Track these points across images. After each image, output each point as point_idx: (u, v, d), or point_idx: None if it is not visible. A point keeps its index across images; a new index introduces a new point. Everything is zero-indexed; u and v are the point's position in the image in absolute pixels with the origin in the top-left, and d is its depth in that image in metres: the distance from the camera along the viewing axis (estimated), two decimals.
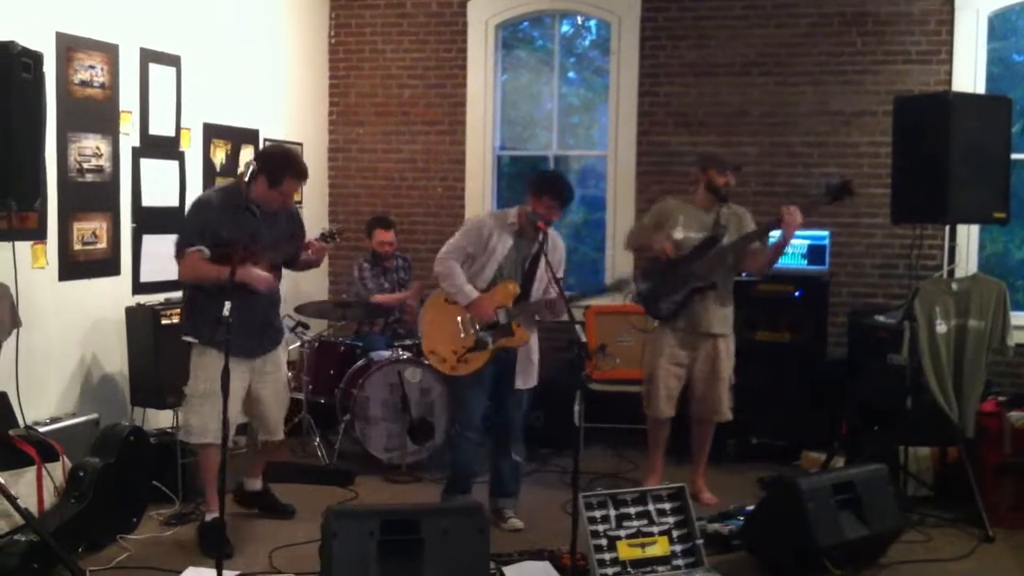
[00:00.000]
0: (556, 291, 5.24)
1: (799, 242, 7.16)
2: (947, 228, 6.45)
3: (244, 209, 5.02)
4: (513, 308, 5.45)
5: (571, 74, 8.62)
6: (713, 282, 5.87)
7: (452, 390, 5.83)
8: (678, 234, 5.93)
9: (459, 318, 5.49)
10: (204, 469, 5.14)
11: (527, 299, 5.48)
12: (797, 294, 6.97)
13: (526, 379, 5.58)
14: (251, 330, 5.10)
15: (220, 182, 6.69)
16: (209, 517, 5.10)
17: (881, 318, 6.52)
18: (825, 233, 7.21)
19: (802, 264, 7.17)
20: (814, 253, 7.17)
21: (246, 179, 4.90)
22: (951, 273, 6.15)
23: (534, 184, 5.49)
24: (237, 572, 4.65)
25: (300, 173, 5.20)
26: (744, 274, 6.35)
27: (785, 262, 7.09)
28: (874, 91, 7.42)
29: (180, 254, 4.99)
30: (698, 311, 5.90)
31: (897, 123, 6.13)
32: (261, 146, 7.48)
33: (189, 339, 5.10)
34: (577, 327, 4.58)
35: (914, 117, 6.00)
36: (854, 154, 7.50)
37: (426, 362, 6.08)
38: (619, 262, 7.51)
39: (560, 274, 5.51)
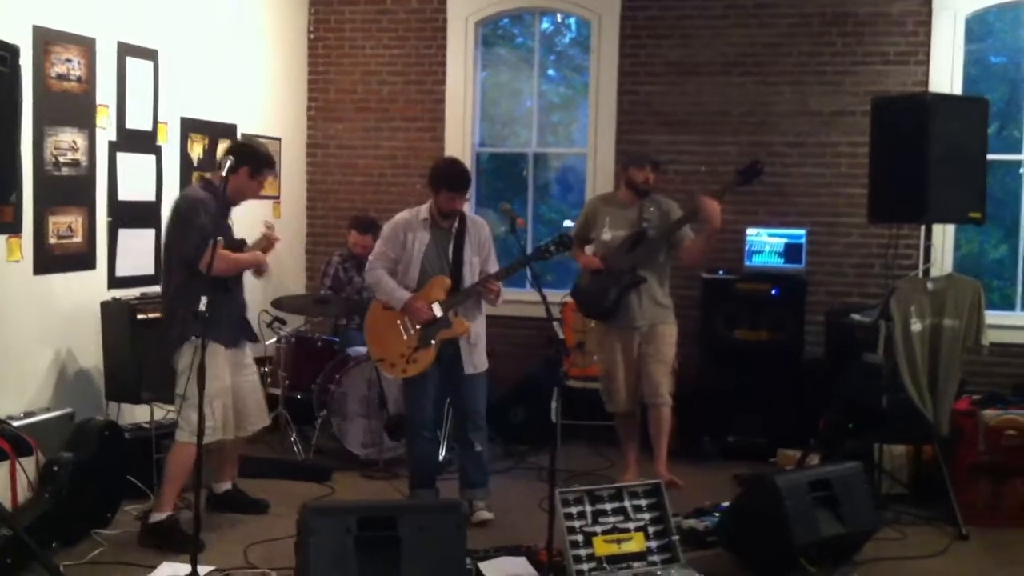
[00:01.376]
0: (488, 273, 5.50)
1: (776, 240, 7.20)
2: (923, 228, 6.48)
3: (223, 205, 5.12)
4: (448, 301, 5.50)
5: (551, 72, 8.63)
6: (643, 277, 6.01)
7: (405, 390, 5.86)
8: (606, 235, 6.15)
9: (399, 322, 5.55)
10: (179, 466, 5.06)
11: (459, 288, 5.52)
12: (774, 293, 7.00)
13: (475, 363, 5.61)
14: (234, 322, 5.31)
15: (196, 177, 6.65)
16: (157, 517, 5.06)
17: (857, 317, 6.55)
18: (802, 232, 7.24)
19: (779, 263, 7.20)
20: (791, 252, 7.20)
21: (223, 173, 4.86)
22: (927, 272, 6.18)
23: (430, 179, 5.61)
24: (212, 567, 4.63)
25: (274, 164, 5.51)
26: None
27: (762, 260, 7.17)
28: (853, 91, 7.45)
29: (205, 248, 4.87)
30: (633, 306, 6.05)
31: (875, 123, 6.15)
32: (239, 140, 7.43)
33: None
34: (555, 324, 4.60)
35: (892, 118, 6.03)
36: (833, 154, 7.53)
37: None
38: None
39: (491, 256, 5.64)
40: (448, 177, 5.53)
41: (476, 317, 5.64)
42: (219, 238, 4.93)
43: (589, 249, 6.29)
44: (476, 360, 5.62)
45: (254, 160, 5.26)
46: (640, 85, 7.86)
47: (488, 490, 5.73)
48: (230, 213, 5.33)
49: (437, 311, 5.47)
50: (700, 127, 7.73)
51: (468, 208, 6.44)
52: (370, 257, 5.73)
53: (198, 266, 4.90)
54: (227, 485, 5.63)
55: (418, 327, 5.51)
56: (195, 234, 4.98)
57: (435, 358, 5.53)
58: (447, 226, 5.58)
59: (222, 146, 7.18)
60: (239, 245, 5.29)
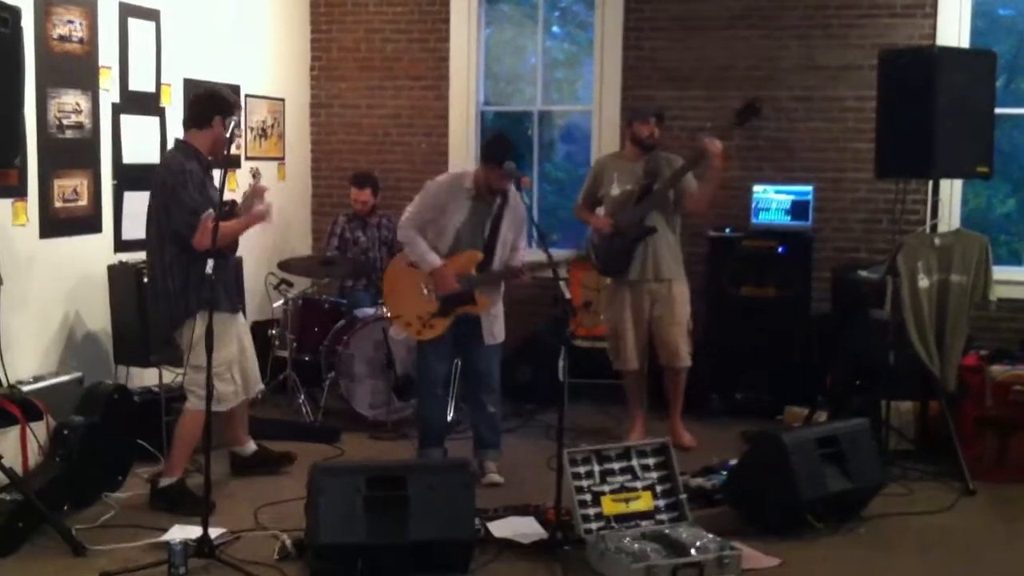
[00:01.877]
0: (518, 256, 5.51)
1: (782, 197, 7.17)
2: (930, 183, 6.44)
3: (205, 167, 5.05)
4: (475, 276, 5.46)
5: (555, 28, 8.55)
6: (652, 227, 6.02)
7: (416, 351, 5.85)
8: (614, 190, 6.18)
9: (422, 284, 5.52)
10: (189, 432, 5.05)
11: (491, 265, 5.49)
12: (781, 250, 6.99)
13: (494, 334, 5.61)
14: (232, 287, 5.30)
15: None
16: (167, 481, 5.07)
17: (864, 273, 6.54)
18: (809, 188, 7.20)
19: (786, 220, 7.17)
20: (798, 208, 7.17)
21: (227, 135, 4.76)
22: (934, 228, 6.15)
23: (485, 154, 5.53)
24: (223, 529, 4.66)
25: (238, 100, 5.33)
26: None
27: (769, 217, 7.15)
28: (859, 45, 7.37)
29: (196, 224, 4.81)
30: (646, 259, 6.07)
31: (882, 77, 6.11)
32: (241, 100, 7.37)
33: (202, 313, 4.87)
34: (561, 284, 4.61)
35: (899, 71, 5.98)
36: (839, 108, 7.46)
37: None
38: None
39: (522, 233, 5.62)
40: (507, 155, 5.30)
41: (496, 292, 5.62)
42: (210, 210, 4.78)
43: (599, 210, 6.28)
44: (496, 331, 5.61)
45: (224, 104, 5.05)
46: (645, 40, 7.79)
47: (500, 451, 5.74)
48: (211, 174, 5.14)
49: (463, 284, 5.44)
50: (705, 82, 7.67)
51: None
52: (403, 216, 5.61)
53: (191, 243, 4.80)
54: (252, 446, 5.63)
55: (440, 295, 5.48)
56: (184, 210, 4.84)
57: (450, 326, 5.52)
58: (490, 200, 5.50)
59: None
60: (228, 208, 5.07)
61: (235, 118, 4.96)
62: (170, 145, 6.56)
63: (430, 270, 5.46)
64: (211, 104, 5.07)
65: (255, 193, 5.15)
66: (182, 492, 5.07)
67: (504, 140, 5.56)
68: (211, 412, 4.51)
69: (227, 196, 5.25)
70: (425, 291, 5.51)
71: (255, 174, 5.21)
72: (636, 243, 6.05)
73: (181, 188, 4.88)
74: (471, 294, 5.46)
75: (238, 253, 5.42)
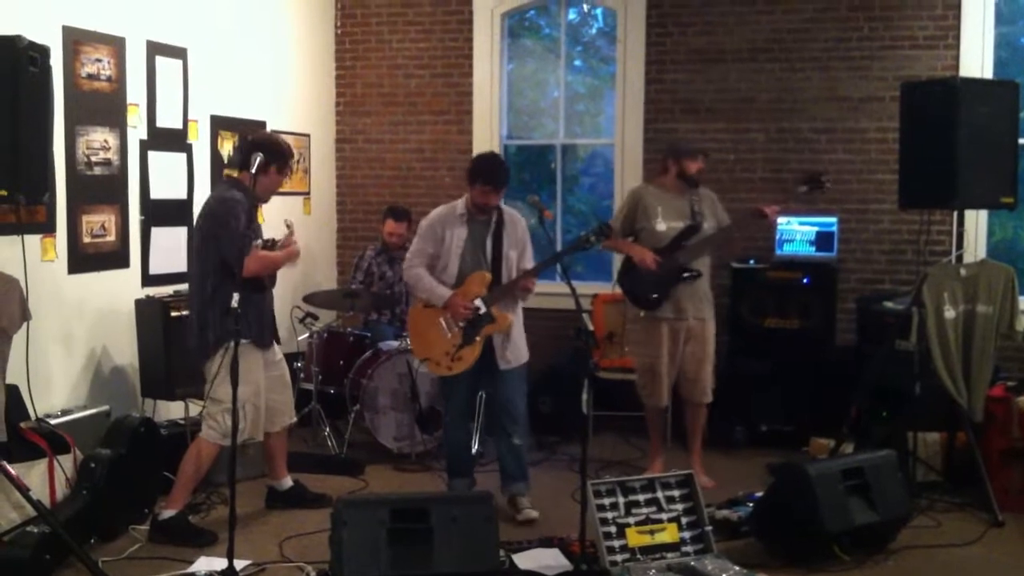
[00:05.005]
0: (526, 267, 5.50)
1: (807, 228, 7.17)
2: (955, 214, 6.42)
3: (253, 205, 5.17)
4: (489, 296, 5.48)
5: (577, 62, 8.61)
6: (699, 272, 6.00)
7: (440, 384, 5.87)
8: (660, 226, 6.05)
9: (441, 319, 5.53)
10: (195, 464, 5.11)
11: (499, 282, 5.51)
12: (805, 281, 6.97)
13: (511, 358, 5.58)
14: (267, 322, 5.31)
15: (228, 174, 6.68)
16: (167, 514, 5.07)
17: (889, 304, 6.51)
18: (833, 219, 7.20)
19: (810, 251, 7.16)
20: (822, 239, 7.16)
21: (252, 171, 4.87)
22: (959, 259, 6.13)
23: (468, 172, 5.55)
24: (249, 561, 4.68)
25: (293, 155, 5.61)
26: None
27: (793, 249, 7.14)
28: (881, 76, 7.39)
29: (246, 253, 4.91)
30: (683, 298, 6.01)
31: (904, 108, 6.11)
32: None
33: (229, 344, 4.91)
34: (584, 315, 4.61)
35: (921, 102, 5.98)
36: (861, 140, 7.47)
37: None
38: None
39: (528, 251, 5.62)
40: (484, 171, 5.47)
41: (512, 311, 5.61)
42: (258, 241, 4.98)
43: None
44: (510, 355, 5.57)
45: (281, 155, 5.22)
46: (666, 74, 7.83)
47: (528, 484, 5.68)
48: (257, 213, 5.34)
49: (480, 306, 5.46)
50: (727, 114, 7.70)
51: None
52: (407, 255, 5.69)
53: (238, 270, 4.83)
54: (289, 481, 5.64)
55: (461, 324, 5.50)
56: (235, 237, 4.95)
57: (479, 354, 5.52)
58: (484, 220, 5.55)
59: (229, 143, 7.16)
60: (270, 245, 5.24)
61: (288, 171, 5.34)
62: (198, 180, 6.70)
63: (443, 303, 5.49)
64: (270, 151, 5.14)
65: (287, 242, 5.31)
66: (181, 525, 5.08)
67: (490, 161, 5.65)
68: (234, 445, 4.52)
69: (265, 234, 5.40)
70: (445, 326, 5.53)
71: (289, 225, 5.36)
72: (678, 282, 5.98)
73: (233, 218, 4.99)
74: (489, 313, 5.47)
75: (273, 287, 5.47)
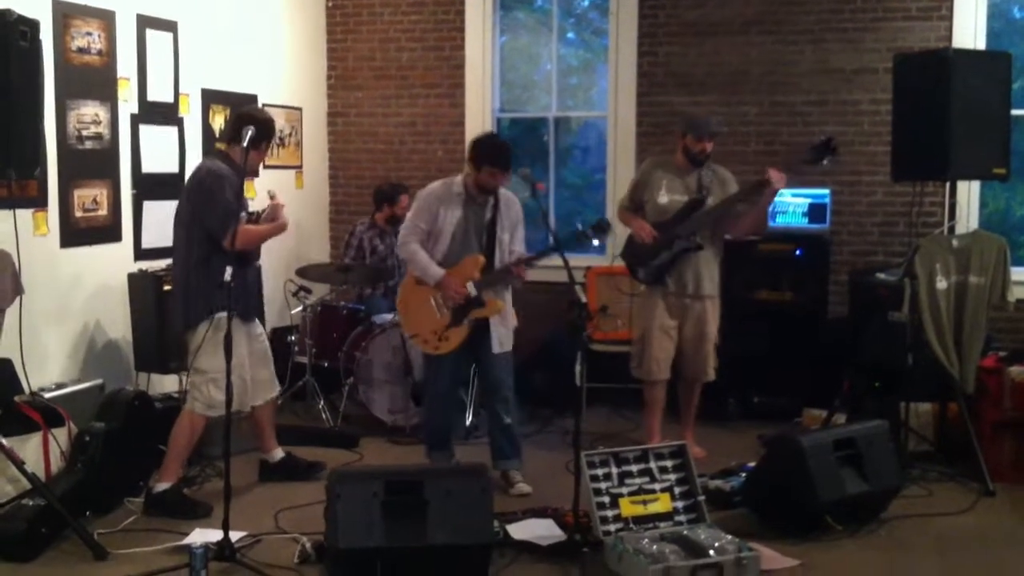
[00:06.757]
0: (517, 254, 5.47)
1: (800, 200, 7.17)
2: (947, 185, 6.43)
3: (242, 179, 5.12)
4: (482, 280, 5.47)
5: (570, 35, 8.57)
6: (700, 244, 5.95)
7: (424, 360, 5.84)
8: (663, 198, 6.03)
9: (432, 298, 5.52)
10: (184, 436, 5.13)
11: (492, 266, 5.50)
12: (798, 253, 6.98)
13: (501, 342, 5.58)
14: (251, 296, 5.31)
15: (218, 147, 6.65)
16: (161, 487, 5.08)
17: (882, 276, 6.52)
18: (826, 191, 7.20)
19: (803, 223, 7.17)
20: (815, 212, 7.16)
21: (244, 144, 4.85)
22: (952, 230, 6.15)
23: (472, 154, 5.49)
24: (244, 533, 4.68)
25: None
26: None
27: (786, 221, 7.14)
28: (874, 48, 7.37)
29: (230, 226, 4.85)
30: (686, 273, 5.98)
31: (897, 80, 6.11)
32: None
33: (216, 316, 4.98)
34: (577, 288, 4.61)
35: (914, 74, 5.98)
36: (854, 112, 7.46)
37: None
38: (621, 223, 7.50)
39: (519, 233, 5.59)
40: (491, 154, 5.40)
41: (503, 295, 5.62)
42: (243, 214, 4.97)
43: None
44: (505, 340, 5.59)
45: (269, 132, 5.22)
46: (659, 46, 7.80)
47: (521, 461, 5.70)
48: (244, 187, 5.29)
49: (471, 290, 5.45)
50: (720, 87, 7.68)
51: None
52: (402, 230, 5.67)
53: (223, 242, 4.84)
54: (280, 453, 5.66)
55: (451, 306, 5.50)
56: (221, 210, 4.94)
57: (467, 336, 5.52)
58: (482, 202, 5.52)
59: (220, 117, 7.12)
60: (255, 218, 5.25)
61: (267, 146, 5.27)
62: (189, 154, 6.67)
63: (435, 282, 5.48)
64: (260, 126, 5.09)
65: (274, 210, 5.29)
66: (175, 498, 5.09)
67: (497, 142, 5.61)
68: (228, 417, 4.51)
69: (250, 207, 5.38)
70: (435, 305, 5.52)
71: (272, 196, 5.33)
72: (680, 256, 5.95)
73: (219, 191, 4.98)
74: (479, 298, 5.47)
75: (258, 261, 5.47)
